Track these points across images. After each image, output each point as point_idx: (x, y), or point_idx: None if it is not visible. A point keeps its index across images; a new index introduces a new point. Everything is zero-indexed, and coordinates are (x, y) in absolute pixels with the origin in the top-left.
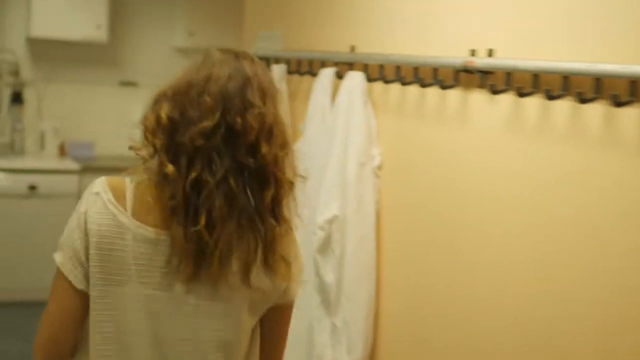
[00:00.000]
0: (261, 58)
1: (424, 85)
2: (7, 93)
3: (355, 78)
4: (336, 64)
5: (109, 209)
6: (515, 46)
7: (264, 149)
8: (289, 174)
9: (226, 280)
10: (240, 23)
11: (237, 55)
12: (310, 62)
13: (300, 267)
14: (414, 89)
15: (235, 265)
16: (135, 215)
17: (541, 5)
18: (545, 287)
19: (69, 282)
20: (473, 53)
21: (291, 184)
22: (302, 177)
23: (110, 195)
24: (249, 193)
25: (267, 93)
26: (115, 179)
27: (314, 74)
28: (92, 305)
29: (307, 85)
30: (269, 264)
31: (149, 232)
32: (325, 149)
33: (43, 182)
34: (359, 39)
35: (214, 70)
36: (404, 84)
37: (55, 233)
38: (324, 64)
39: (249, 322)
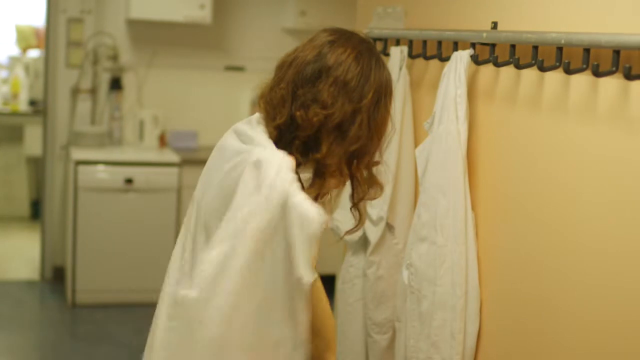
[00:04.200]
0: (377, 39)
1: (599, 74)
2: (105, 79)
3: None
4: (473, 45)
5: None
6: None
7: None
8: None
9: None
10: None
11: (335, 40)
12: (439, 44)
13: None
14: (582, 80)
15: None
16: None
17: None
18: None
19: None
20: None
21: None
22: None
23: None
24: None
25: (344, 88)
26: None
27: (443, 59)
28: None
29: (434, 72)
30: None
31: None
32: (460, 156)
33: (141, 176)
34: (503, 12)
35: (299, 54)
36: (570, 71)
37: (152, 231)
38: (456, 45)
39: None
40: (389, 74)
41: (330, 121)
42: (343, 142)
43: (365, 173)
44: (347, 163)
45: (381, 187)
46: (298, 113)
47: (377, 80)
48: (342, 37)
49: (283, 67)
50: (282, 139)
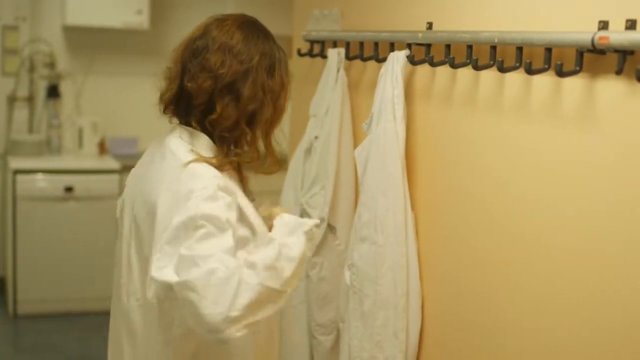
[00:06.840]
0: (315, 42)
1: (531, 71)
2: (42, 86)
3: None
4: (409, 45)
5: None
6: None
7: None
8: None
9: None
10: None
11: (221, 18)
12: (376, 45)
13: None
14: (515, 77)
15: None
16: None
17: None
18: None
19: None
20: (604, 25)
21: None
22: None
23: None
24: None
25: (230, 51)
26: None
27: (380, 60)
28: None
29: (372, 73)
30: None
31: None
32: (399, 156)
33: (81, 183)
34: (438, 12)
35: (189, 36)
36: (503, 70)
37: (93, 239)
38: (393, 46)
39: None
40: (281, 51)
41: (220, 82)
42: (238, 103)
43: (261, 143)
44: (248, 125)
45: (277, 163)
46: (189, 84)
47: (263, 46)
48: (229, 16)
49: (176, 50)
50: (178, 114)
